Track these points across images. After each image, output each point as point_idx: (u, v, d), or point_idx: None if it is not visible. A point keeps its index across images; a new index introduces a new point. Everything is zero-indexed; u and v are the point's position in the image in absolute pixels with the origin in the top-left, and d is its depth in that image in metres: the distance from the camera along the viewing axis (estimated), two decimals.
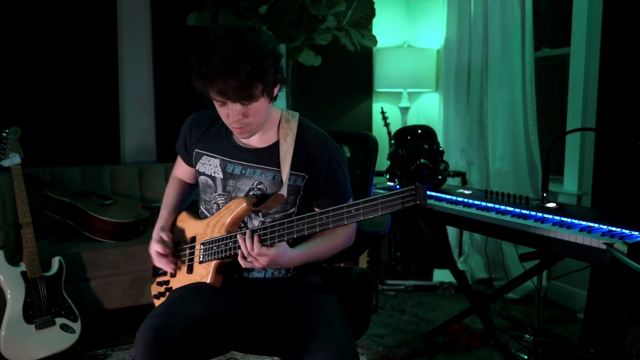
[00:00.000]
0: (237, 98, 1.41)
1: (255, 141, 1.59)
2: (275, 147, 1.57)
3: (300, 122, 1.60)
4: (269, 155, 1.57)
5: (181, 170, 1.80)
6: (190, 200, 1.85)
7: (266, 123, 1.56)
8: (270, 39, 1.47)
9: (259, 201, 1.55)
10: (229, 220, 1.54)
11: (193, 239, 1.63)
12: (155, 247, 1.62)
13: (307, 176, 1.57)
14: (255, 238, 1.43)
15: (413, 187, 1.20)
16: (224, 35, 1.40)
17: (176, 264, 1.64)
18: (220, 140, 1.61)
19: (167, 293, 1.65)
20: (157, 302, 1.70)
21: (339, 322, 1.49)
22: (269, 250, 1.43)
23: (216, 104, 1.48)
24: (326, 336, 1.39)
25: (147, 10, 3.42)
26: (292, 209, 1.59)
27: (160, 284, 1.69)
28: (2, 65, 3.08)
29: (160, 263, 1.63)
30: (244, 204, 1.52)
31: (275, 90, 1.50)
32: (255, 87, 1.41)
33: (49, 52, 3.18)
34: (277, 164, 1.56)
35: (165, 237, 1.64)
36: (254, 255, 1.43)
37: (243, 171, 1.58)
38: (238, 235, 1.47)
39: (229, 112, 1.46)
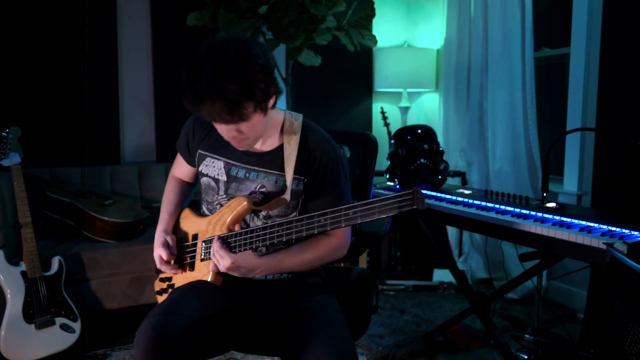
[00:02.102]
0: (226, 120, 1.38)
1: (259, 145, 1.58)
2: (278, 151, 1.56)
3: (304, 125, 1.58)
4: (272, 159, 1.56)
5: (180, 170, 1.79)
6: (190, 199, 1.85)
7: (269, 128, 1.54)
8: (262, 50, 1.41)
9: (260, 202, 1.55)
10: (229, 218, 1.54)
11: (195, 237, 1.63)
12: (159, 252, 1.61)
13: (305, 179, 1.56)
14: (220, 241, 1.47)
15: (410, 191, 1.20)
16: (211, 54, 1.35)
17: (179, 268, 1.64)
18: (224, 143, 1.59)
19: (170, 290, 1.65)
20: (159, 298, 1.70)
21: (337, 322, 1.49)
22: (230, 255, 1.44)
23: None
24: (325, 335, 1.39)
25: (147, 10, 3.43)
26: (294, 213, 1.58)
27: (163, 280, 1.70)
28: (2, 65, 3.08)
29: (163, 268, 1.63)
30: (245, 202, 1.52)
31: (270, 102, 1.45)
32: (245, 107, 1.37)
33: (50, 52, 3.18)
34: (280, 167, 1.55)
35: (169, 241, 1.63)
36: (217, 257, 1.46)
37: (247, 174, 1.58)
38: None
39: (223, 129, 1.45)
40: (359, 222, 1.29)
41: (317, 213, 1.36)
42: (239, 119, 1.38)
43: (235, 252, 1.47)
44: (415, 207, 1.19)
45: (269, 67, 1.42)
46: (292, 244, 1.54)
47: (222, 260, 1.45)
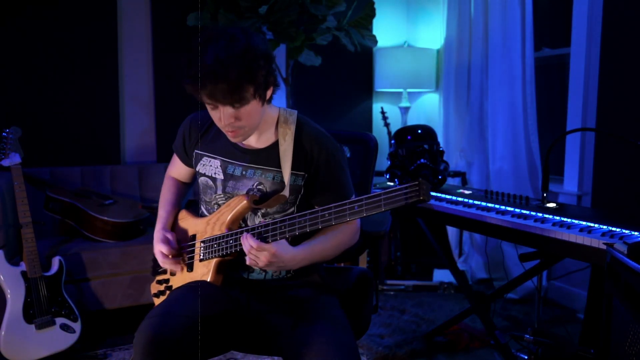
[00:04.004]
0: (227, 101, 1.39)
1: (254, 142, 1.58)
2: (274, 147, 1.57)
3: (299, 120, 1.59)
4: (268, 156, 1.57)
5: (177, 170, 1.79)
6: (188, 198, 1.85)
7: (264, 123, 1.55)
8: (263, 40, 1.45)
9: (260, 199, 1.55)
10: (229, 217, 1.54)
11: (193, 237, 1.63)
12: (160, 248, 1.61)
13: (306, 175, 1.56)
14: (252, 236, 1.42)
15: (417, 182, 1.20)
16: (215, 37, 1.38)
17: (181, 264, 1.64)
18: (220, 141, 1.60)
19: (167, 292, 1.64)
20: (156, 301, 1.69)
21: (338, 319, 1.49)
22: (269, 245, 1.41)
23: (208, 107, 1.46)
24: (325, 331, 1.39)
25: (147, 10, 3.42)
26: (292, 209, 1.59)
27: (160, 282, 1.69)
28: (2, 65, 3.08)
29: (166, 264, 1.62)
30: (245, 201, 1.52)
31: (268, 92, 1.47)
32: (246, 90, 1.39)
33: (50, 52, 3.18)
34: (276, 164, 1.56)
35: (169, 236, 1.63)
36: (255, 251, 1.41)
37: (243, 172, 1.58)
38: (242, 235, 1.46)
39: (220, 116, 1.45)
40: (365, 215, 1.28)
41: (320, 208, 1.36)
42: (239, 101, 1.40)
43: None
44: (421, 198, 1.19)
45: (269, 55, 1.45)
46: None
47: (261, 253, 1.41)
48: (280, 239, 1.43)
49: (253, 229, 1.46)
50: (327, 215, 1.35)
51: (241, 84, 1.37)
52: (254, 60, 1.37)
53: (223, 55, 1.34)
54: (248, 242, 1.42)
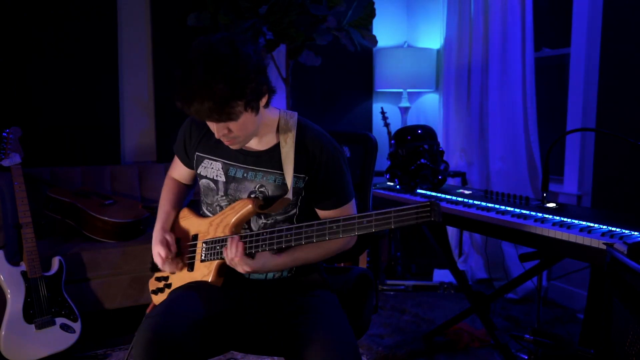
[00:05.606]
0: (215, 119, 1.39)
1: (255, 144, 1.58)
2: (275, 150, 1.56)
3: (299, 123, 1.59)
4: (270, 158, 1.57)
5: (178, 172, 1.79)
6: (188, 200, 1.84)
7: (264, 127, 1.55)
8: (255, 50, 1.42)
9: (264, 204, 1.55)
10: (233, 220, 1.54)
11: (195, 237, 1.63)
12: (158, 250, 1.61)
13: (307, 177, 1.56)
14: (240, 245, 1.44)
15: (428, 203, 1.20)
16: (202, 54, 1.35)
17: (179, 266, 1.64)
18: (221, 144, 1.59)
19: (166, 289, 1.64)
20: (154, 298, 1.69)
21: (338, 318, 1.49)
22: (251, 261, 1.45)
23: None
24: (326, 331, 1.40)
25: (147, 10, 3.43)
26: (294, 210, 1.59)
27: (159, 279, 1.69)
28: (2, 65, 3.08)
29: (164, 267, 1.62)
30: (250, 205, 1.52)
31: (263, 100, 1.46)
32: (235, 106, 1.37)
33: (50, 52, 3.18)
34: (278, 166, 1.56)
35: (169, 238, 1.63)
36: (237, 262, 1.45)
37: (245, 174, 1.58)
38: (229, 239, 1.47)
39: (213, 128, 1.46)
40: (373, 231, 1.28)
41: (329, 220, 1.36)
42: (228, 118, 1.39)
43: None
44: (432, 219, 1.19)
45: (261, 66, 1.42)
46: None
47: (243, 265, 1.46)
48: (286, 247, 1.43)
49: (258, 234, 1.46)
50: (334, 227, 1.35)
51: (228, 102, 1.35)
52: (242, 77, 1.35)
53: (210, 75, 1.33)
54: (231, 252, 1.45)
